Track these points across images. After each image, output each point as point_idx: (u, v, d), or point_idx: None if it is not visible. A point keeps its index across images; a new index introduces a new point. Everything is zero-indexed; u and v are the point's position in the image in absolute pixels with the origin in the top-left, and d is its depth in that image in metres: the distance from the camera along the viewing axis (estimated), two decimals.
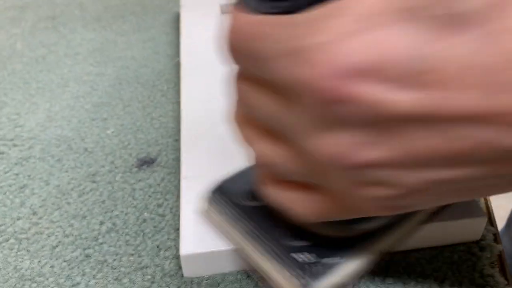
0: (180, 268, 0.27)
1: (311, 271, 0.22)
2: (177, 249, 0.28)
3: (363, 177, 0.16)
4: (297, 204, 0.20)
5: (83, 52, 0.49)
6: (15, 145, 0.37)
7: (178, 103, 0.38)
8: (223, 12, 0.51)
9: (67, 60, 0.48)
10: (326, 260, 0.22)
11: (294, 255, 0.23)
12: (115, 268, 0.27)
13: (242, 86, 0.19)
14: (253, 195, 0.25)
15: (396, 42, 0.14)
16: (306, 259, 0.22)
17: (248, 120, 0.20)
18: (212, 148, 0.32)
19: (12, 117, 0.40)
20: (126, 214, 0.31)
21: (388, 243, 0.24)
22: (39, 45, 0.51)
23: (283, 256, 0.23)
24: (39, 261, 0.28)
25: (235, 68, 0.20)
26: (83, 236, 0.29)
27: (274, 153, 0.19)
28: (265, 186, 0.21)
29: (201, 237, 0.26)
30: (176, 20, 0.54)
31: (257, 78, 0.18)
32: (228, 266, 0.27)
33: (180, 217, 0.28)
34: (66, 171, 0.34)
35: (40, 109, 0.41)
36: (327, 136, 0.16)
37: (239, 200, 0.25)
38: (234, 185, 0.26)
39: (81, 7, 0.60)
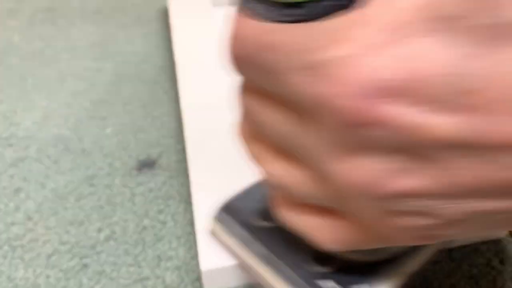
0: (182, 280, 0.26)
1: None
2: (179, 259, 0.27)
3: (397, 207, 0.14)
4: (317, 230, 0.17)
5: (81, 46, 0.48)
6: (10, 145, 0.35)
7: (179, 101, 0.36)
8: (215, 4, 0.49)
9: (65, 55, 0.46)
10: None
11: (319, 282, 0.21)
12: (113, 279, 0.26)
13: (249, 100, 0.17)
14: (265, 215, 0.23)
15: (431, 56, 0.12)
16: (333, 286, 0.20)
17: (257, 136, 0.18)
18: (220, 154, 0.31)
19: (8, 115, 0.38)
20: (125, 220, 0.29)
21: (416, 264, 0.22)
22: (36, 38, 0.49)
23: (307, 284, 0.21)
24: (34, 271, 0.27)
25: (239, 79, 0.17)
26: (80, 244, 0.28)
27: (288, 174, 0.17)
28: (279, 209, 0.19)
29: (221, 250, 0.25)
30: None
31: (265, 91, 0.16)
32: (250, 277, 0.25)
33: (195, 231, 0.26)
34: (63, 174, 0.33)
35: (36, 106, 0.39)
36: (353, 161, 0.14)
37: (250, 220, 0.23)
38: (244, 203, 0.24)
39: None
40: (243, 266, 0.24)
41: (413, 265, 0.22)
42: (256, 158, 0.18)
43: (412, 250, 0.22)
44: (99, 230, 0.29)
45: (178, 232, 0.28)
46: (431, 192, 0.14)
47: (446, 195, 0.14)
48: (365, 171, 0.14)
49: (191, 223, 0.29)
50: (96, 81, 0.42)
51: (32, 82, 0.42)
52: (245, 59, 0.16)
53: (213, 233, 0.25)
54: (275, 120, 0.16)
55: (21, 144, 0.35)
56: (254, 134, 0.18)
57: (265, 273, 0.22)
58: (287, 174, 0.17)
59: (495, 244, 0.27)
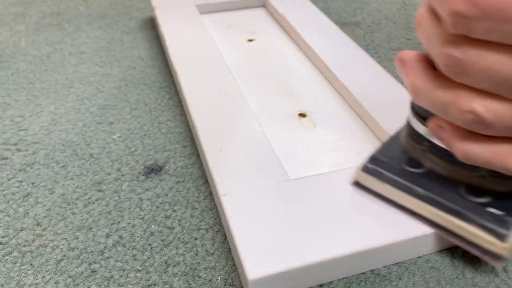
0: (189, 285, 0.26)
1: (506, 222, 0.23)
2: (186, 264, 0.27)
3: None
4: (504, 155, 0.21)
5: (88, 51, 0.48)
6: (19, 150, 0.36)
7: (186, 106, 0.37)
8: (201, 12, 0.50)
9: (72, 60, 0.47)
10: None
11: (489, 209, 0.24)
12: (122, 285, 0.26)
13: (468, 50, 0.20)
14: (413, 163, 0.27)
15: None
16: (498, 212, 0.24)
17: (457, 83, 0.21)
18: (238, 157, 0.31)
19: (16, 120, 0.39)
20: (133, 226, 0.30)
21: None
22: (43, 43, 0.50)
23: (476, 211, 0.24)
24: (43, 277, 0.27)
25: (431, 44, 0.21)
26: (88, 249, 0.28)
27: (500, 108, 0.20)
28: (461, 144, 0.22)
29: (265, 257, 0.25)
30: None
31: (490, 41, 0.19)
32: (296, 283, 0.26)
33: (233, 239, 0.26)
34: (71, 179, 0.33)
35: (44, 111, 0.40)
36: None
37: (401, 167, 0.27)
38: (387, 156, 0.28)
39: (86, 3, 0.59)
40: (395, 208, 0.27)
41: None
42: (452, 100, 0.21)
43: None
44: (107, 235, 0.29)
45: (185, 238, 0.29)
46: None
47: None
48: None
49: (197, 228, 0.29)
50: (103, 86, 0.43)
51: (40, 87, 0.43)
52: (480, 16, 0.19)
53: (359, 184, 0.29)
54: (501, 61, 0.19)
55: (30, 150, 0.36)
56: (444, 81, 0.22)
57: (424, 211, 0.26)
58: (498, 110, 0.20)
59: None
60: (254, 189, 0.29)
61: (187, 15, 0.48)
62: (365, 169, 0.28)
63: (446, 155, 0.25)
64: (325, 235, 0.26)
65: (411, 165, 0.27)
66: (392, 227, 0.26)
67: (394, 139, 0.29)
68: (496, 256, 0.24)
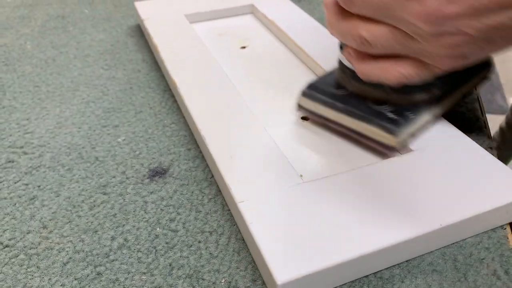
0: (193, 287, 0.26)
1: (398, 122, 0.32)
2: (190, 267, 0.28)
3: (444, 27, 0.23)
4: (389, 71, 0.27)
5: (93, 54, 0.48)
6: (25, 153, 0.36)
7: (189, 116, 0.37)
8: (191, 21, 0.50)
9: (77, 63, 0.47)
10: (405, 116, 0.32)
11: (386, 113, 0.32)
12: None
13: None
14: (340, 87, 0.35)
15: None
16: (393, 116, 0.32)
17: (347, 16, 0.27)
18: (250, 163, 0.32)
19: (22, 123, 0.39)
20: (138, 229, 0.30)
21: (442, 108, 0.35)
22: (49, 46, 0.50)
23: (378, 116, 0.32)
24: (50, 279, 0.27)
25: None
26: (94, 252, 0.29)
27: (378, 32, 0.26)
28: (359, 63, 0.29)
29: (290, 260, 0.25)
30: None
31: None
32: (322, 284, 0.26)
33: (256, 244, 0.26)
34: (77, 182, 0.33)
35: (50, 114, 0.40)
36: (421, 3, 0.23)
37: (329, 90, 0.35)
38: (322, 82, 0.36)
39: (91, 6, 0.59)
40: (326, 122, 0.35)
41: (439, 108, 0.34)
42: (350, 27, 0.27)
43: (439, 99, 0.34)
44: (113, 238, 0.29)
45: (189, 241, 0.29)
46: (463, 13, 0.23)
47: (471, 15, 0.23)
48: (427, 6, 0.23)
49: (201, 231, 0.30)
50: (108, 89, 0.43)
51: (46, 90, 0.43)
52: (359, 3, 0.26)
53: (300, 106, 0.36)
54: None
55: (36, 152, 0.36)
56: (344, 14, 0.28)
57: (345, 120, 0.34)
58: (377, 32, 0.26)
59: (501, 255, 0.28)
60: (269, 193, 0.29)
61: (178, 25, 0.48)
62: (304, 93, 0.36)
63: (359, 78, 0.31)
64: (345, 235, 0.26)
65: (337, 89, 0.35)
66: (410, 222, 0.27)
67: (330, 73, 0.37)
68: (391, 148, 0.32)
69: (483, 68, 0.38)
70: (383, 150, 0.33)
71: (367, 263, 0.26)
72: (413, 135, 0.33)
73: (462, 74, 0.36)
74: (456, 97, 0.36)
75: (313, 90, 0.35)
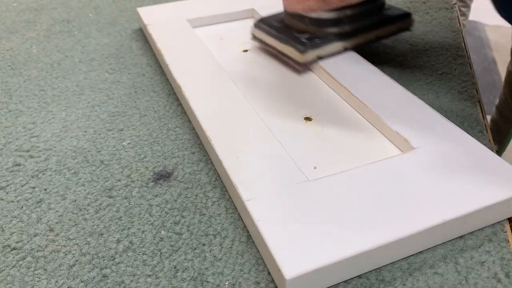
0: None
1: (306, 44, 0.42)
2: (194, 270, 0.28)
3: None
4: (300, 4, 0.39)
5: (98, 58, 0.49)
6: (31, 157, 0.37)
7: (194, 117, 0.37)
8: (193, 26, 0.51)
9: (82, 66, 0.48)
10: (314, 41, 0.43)
11: (301, 39, 0.43)
12: None
13: None
14: (278, 20, 0.46)
15: None
16: (305, 40, 0.42)
17: None
18: (256, 163, 0.32)
19: (28, 127, 0.40)
20: (143, 232, 0.30)
21: (351, 42, 0.44)
22: (54, 50, 0.51)
23: (295, 40, 0.43)
24: (56, 281, 0.28)
25: None
26: (100, 255, 0.29)
27: None
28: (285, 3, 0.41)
29: (298, 256, 0.26)
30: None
31: None
32: (330, 279, 0.27)
33: (264, 241, 0.27)
34: (83, 185, 0.34)
35: (56, 118, 0.41)
36: None
37: (272, 23, 0.46)
38: (270, 17, 0.47)
39: (96, 10, 0.59)
40: (266, 46, 0.46)
41: (349, 43, 0.44)
42: None
43: (348, 35, 0.44)
44: (118, 241, 0.30)
45: (193, 244, 0.29)
46: None
47: None
48: None
49: (205, 234, 0.30)
50: (113, 93, 0.44)
51: (52, 94, 0.44)
52: None
53: (254, 37, 0.47)
54: None
55: (42, 156, 0.37)
56: None
57: (276, 43, 0.45)
58: None
59: (501, 258, 0.28)
60: (276, 192, 0.30)
61: (180, 30, 0.49)
62: (255, 25, 0.46)
63: (291, 14, 0.42)
64: (351, 230, 0.27)
65: (277, 22, 0.45)
66: (416, 216, 0.28)
67: (279, 12, 0.47)
68: (299, 63, 0.43)
69: (401, 19, 0.46)
70: (295, 66, 0.44)
71: (374, 257, 0.27)
72: (320, 57, 0.43)
73: (378, 19, 0.45)
74: (368, 37, 0.45)
75: (261, 22, 0.46)
